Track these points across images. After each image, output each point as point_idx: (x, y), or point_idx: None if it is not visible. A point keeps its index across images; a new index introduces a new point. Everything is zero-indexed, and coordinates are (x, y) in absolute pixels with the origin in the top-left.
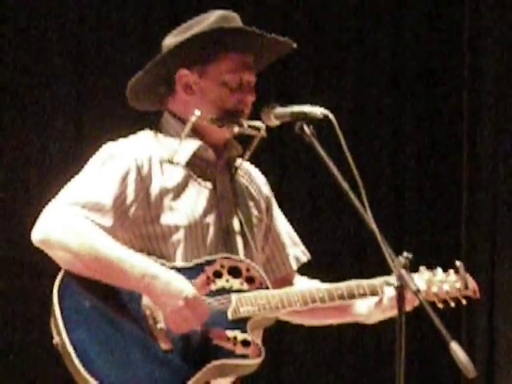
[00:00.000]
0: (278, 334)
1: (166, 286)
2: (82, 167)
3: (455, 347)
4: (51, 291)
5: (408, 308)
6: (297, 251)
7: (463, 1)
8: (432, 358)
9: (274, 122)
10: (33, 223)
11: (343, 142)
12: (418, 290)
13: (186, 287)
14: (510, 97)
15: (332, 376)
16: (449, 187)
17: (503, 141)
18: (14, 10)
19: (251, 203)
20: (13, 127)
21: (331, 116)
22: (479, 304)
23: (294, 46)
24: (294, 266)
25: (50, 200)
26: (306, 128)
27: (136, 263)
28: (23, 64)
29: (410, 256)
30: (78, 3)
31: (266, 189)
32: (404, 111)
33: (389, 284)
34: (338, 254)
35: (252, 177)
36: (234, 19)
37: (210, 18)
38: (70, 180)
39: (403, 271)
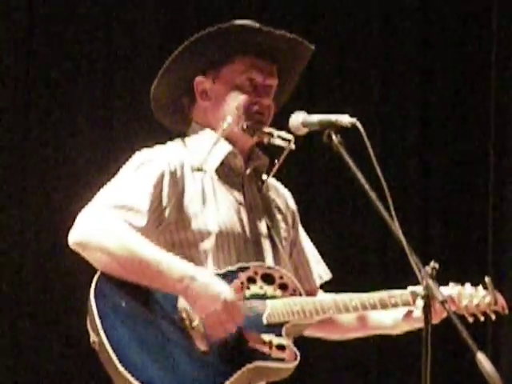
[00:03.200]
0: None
1: (204, 288)
2: (113, 172)
3: (482, 358)
4: (87, 293)
5: (435, 321)
6: (319, 269)
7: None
8: (458, 368)
9: (302, 131)
10: (67, 227)
11: (371, 151)
12: (445, 300)
13: (224, 290)
14: None
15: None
16: (475, 202)
17: None
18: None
19: (279, 216)
20: (42, 132)
21: (358, 124)
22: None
23: (309, 45)
24: (317, 283)
25: (82, 205)
26: (333, 137)
27: (174, 265)
28: (52, 67)
29: (437, 266)
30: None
31: (292, 203)
32: (432, 121)
33: (416, 294)
34: (364, 264)
35: (278, 191)
36: (248, 23)
37: (226, 24)
38: (102, 185)
39: (430, 281)
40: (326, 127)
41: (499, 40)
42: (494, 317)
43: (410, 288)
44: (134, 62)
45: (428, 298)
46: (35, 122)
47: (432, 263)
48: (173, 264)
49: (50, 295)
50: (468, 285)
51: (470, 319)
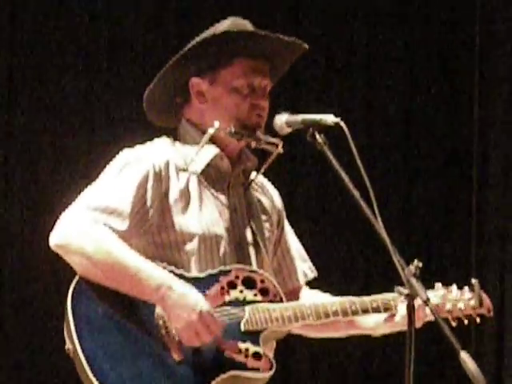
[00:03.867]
0: (286, 350)
1: (180, 298)
2: (96, 173)
3: (465, 357)
4: (65, 297)
5: (418, 324)
6: (305, 267)
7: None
8: (441, 368)
9: (286, 130)
10: (48, 229)
11: (354, 150)
12: (428, 299)
13: (199, 301)
14: None
15: None
16: (459, 200)
17: None
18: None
19: (264, 217)
20: (25, 135)
21: (342, 124)
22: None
23: (306, 46)
24: (302, 281)
25: (65, 205)
26: (317, 136)
27: (153, 274)
28: (35, 67)
29: (420, 265)
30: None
31: (278, 202)
32: (415, 118)
33: (400, 293)
34: (349, 264)
35: (265, 190)
36: (245, 25)
37: (221, 26)
38: (86, 185)
39: (413, 280)
40: (310, 126)
41: (482, 38)
42: (478, 320)
43: (395, 290)
44: (118, 61)
45: (411, 297)
46: (18, 120)
47: (416, 262)
48: (151, 272)
49: (32, 296)
50: (454, 287)
51: (454, 323)
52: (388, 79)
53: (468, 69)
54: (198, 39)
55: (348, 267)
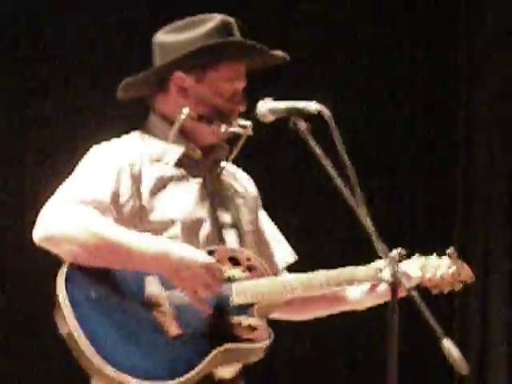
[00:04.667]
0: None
1: (180, 261)
2: (68, 171)
3: (448, 344)
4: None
5: (400, 294)
6: (283, 251)
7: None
8: (425, 355)
9: (269, 118)
10: (30, 226)
11: (337, 137)
12: (412, 288)
13: (198, 255)
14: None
15: (325, 373)
16: (443, 186)
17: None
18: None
19: (240, 200)
20: (6, 128)
21: (326, 111)
22: (472, 300)
23: (288, 58)
24: (281, 266)
25: (43, 202)
26: (299, 123)
27: (146, 244)
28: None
29: (404, 252)
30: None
31: (252, 188)
32: (400, 107)
33: (383, 281)
34: (331, 250)
35: (238, 176)
36: (233, 27)
37: (210, 23)
38: (61, 181)
39: (397, 267)
40: (293, 114)
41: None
42: (458, 288)
43: (375, 265)
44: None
45: (395, 285)
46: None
47: (399, 249)
48: (144, 243)
49: (16, 293)
50: (433, 256)
51: (434, 291)
52: (376, 72)
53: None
54: (187, 40)
55: (329, 254)
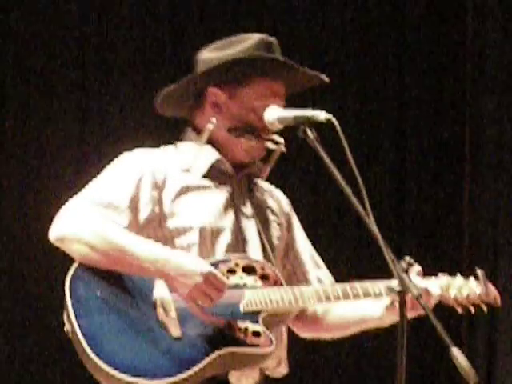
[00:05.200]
0: None
1: (180, 267)
2: (92, 172)
3: (456, 353)
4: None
5: (411, 315)
6: (319, 273)
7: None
8: (433, 364)
9: (277, 126)
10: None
11: (346, 147)
12: (420, 295)
13: (199, 264)
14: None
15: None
16: (451, 194)
17: (504, 143)
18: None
19: (272, 217)
20: (17, 132)
21: (334, 120)
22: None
23: (327, 80)
24: (315, 284)
25: (61, 204)
26: (309, 132)
27: (149, 249)
28: (27, 68)
29: (412, 261)
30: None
31: (286, 206)
32: (407, 114)
33: (391, 289)
34: (340, 260)
35: (272, 194)
36: (273, 45)
37: (249, 41)
38: (82, 184)
39: (405, 276)
40: (302, 123)
41: (474, 33)
42: (485, 309)
43: (385, 283)
44: (109, 62)
45: (403, 294)
46: (10, 118)
47: (407, 258)
48: (148, 248)
49: (28, 289)
50: (459, 276)
51: (460, 310)
52: (381, 80)
53: (460, 60)
54: (224, 55)
55: (339, 263)
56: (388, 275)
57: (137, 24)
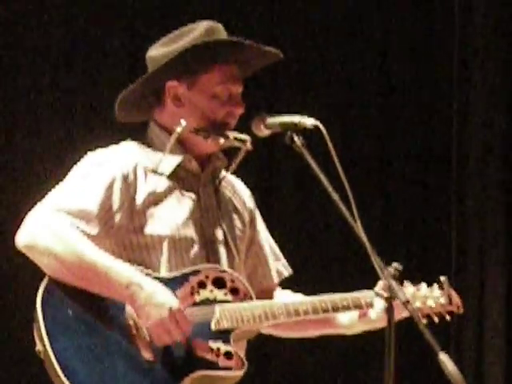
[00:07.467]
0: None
1: (150, 296)
2: (64, 173)
3: (444, 358)
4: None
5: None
6: (279, 265)
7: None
8: (421, 369)
9: (264, 133)
10: (15, 229)
11: (333, 153)
12: (408, 301)
13: (170, 299)
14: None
15: None
16: (438, 200)
17: (491, 148)
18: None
19: (235, 215)
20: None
21: (321, 126)
22: (468, 317)
23: (281, 56)
24: (276, 280)
25: (31, 206)
26: (296, 138)
27: (122, 272)
28: (12, 69)
29: (400, 267)
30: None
31: (250, 201)
32: (393, 119)
33: (378, 295)
34: (327, 265)
35: (236, 189)
36: (220, 31)
37: (197, 31)
38: (53, 185)
39: (393, 282)
40: (289, 129)
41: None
42: (448, 317)
43: (373, 289)
44: (93, 60)
45: (391, 300)
46: None
47: (395, 264)
48: (120, 271)
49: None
50: (423, 285)
51: (424, 320)
52: (367, 85)
53: (446, 59)
54: (175, 48)
55: (326, 268)
56: (374, 281)
57: (126, 24)
